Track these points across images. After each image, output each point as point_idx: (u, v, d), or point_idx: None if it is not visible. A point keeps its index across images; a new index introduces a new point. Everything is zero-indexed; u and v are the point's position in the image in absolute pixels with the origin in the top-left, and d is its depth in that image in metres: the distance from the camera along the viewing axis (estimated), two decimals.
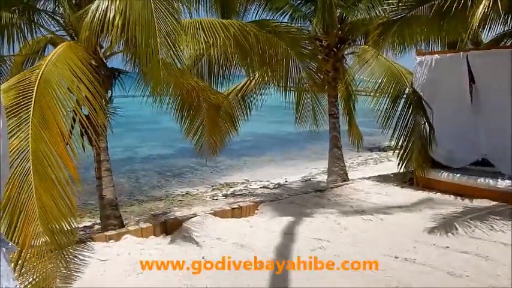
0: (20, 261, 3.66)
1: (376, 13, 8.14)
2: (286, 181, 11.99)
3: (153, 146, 19.09)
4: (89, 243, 5.16)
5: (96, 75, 5.28)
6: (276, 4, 8.81)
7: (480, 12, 5.44)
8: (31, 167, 3.85)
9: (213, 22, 6.19)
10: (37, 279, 3.76)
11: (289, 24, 8.33)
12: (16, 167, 3.80)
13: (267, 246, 5.32)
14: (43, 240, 3.72)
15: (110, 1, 4.89)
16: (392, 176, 8.92)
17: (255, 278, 4.52)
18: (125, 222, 6.70)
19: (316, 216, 6.54)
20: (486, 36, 8.95)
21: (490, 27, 7.98)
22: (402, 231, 5.81)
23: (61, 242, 3.93)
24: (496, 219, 6.05)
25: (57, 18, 6.14)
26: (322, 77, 8.25)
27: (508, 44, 8.54)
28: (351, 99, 10.13)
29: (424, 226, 5.89)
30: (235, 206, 7.01)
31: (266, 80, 7.64)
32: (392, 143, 8.68)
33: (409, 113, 8.17)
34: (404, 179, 8.37)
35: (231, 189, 11.46)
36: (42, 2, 6.30)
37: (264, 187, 11.28)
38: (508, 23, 7.81)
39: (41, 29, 6.22)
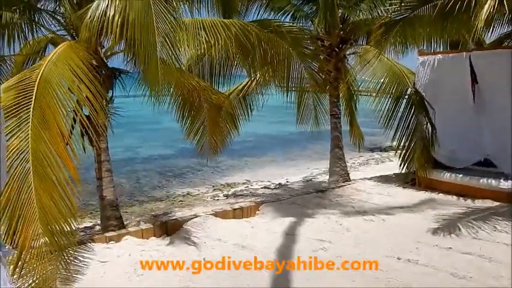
0: (19, 263, 3.63)
1: (378, 13, 8.11)
2: (287, 181, 11.94)
3: (154, 146, 19.07)
4: (89, 244, 5.14)
5: (96, 75, 5.28)
6: (277, 4, 8.80)
7: (485, 13, 5.40)
8: (31, 168, 3.82)
9: (214, 22, 6.15)
10: (37, 281, 3.72)
11: (291, 24, 8.29)
12: (16, 168, 3.78)
13: (268, 247, 5.29)
14: (43, 241, 3.69)
15: (110, 0, 4.87)
16: (394, 176, 8.90)
17: (255, 278, 4.51)
18: (125, 223, 6.67)
19: (318, 216, 6.52)
20: (489, 36, 8.92)
21: (492, 28, 7.95)
22: (404, 232, 5.79)
23: (61, 243, 3.90)
24: (499, 220, 6.03)
25: (58, 17, 6.12)
26: (323, 77, 8.22)
27: (511, 44, 8.51)
28: (352, 100, 10.12)
29: (426, 227, 5.86)
30: (236, 206, 6.98)
31: (267, 80, 7.59)
32: (394, 143, 8.66)
33: (411, 113, 8.16)
34: (406, 180, 8.35)
35: (232, 190, 11.43)
36: (43, 2, 6.29)
37: (265, 187, 11.24)
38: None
39: (42, 28, 6.21)
